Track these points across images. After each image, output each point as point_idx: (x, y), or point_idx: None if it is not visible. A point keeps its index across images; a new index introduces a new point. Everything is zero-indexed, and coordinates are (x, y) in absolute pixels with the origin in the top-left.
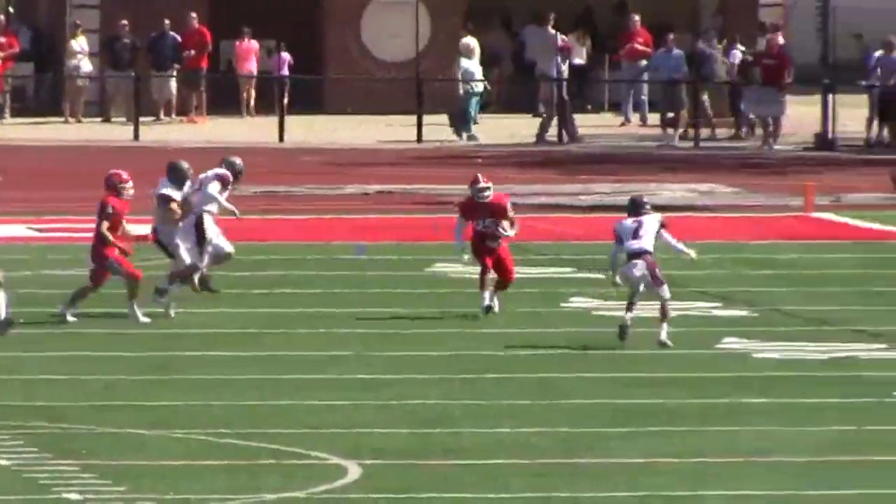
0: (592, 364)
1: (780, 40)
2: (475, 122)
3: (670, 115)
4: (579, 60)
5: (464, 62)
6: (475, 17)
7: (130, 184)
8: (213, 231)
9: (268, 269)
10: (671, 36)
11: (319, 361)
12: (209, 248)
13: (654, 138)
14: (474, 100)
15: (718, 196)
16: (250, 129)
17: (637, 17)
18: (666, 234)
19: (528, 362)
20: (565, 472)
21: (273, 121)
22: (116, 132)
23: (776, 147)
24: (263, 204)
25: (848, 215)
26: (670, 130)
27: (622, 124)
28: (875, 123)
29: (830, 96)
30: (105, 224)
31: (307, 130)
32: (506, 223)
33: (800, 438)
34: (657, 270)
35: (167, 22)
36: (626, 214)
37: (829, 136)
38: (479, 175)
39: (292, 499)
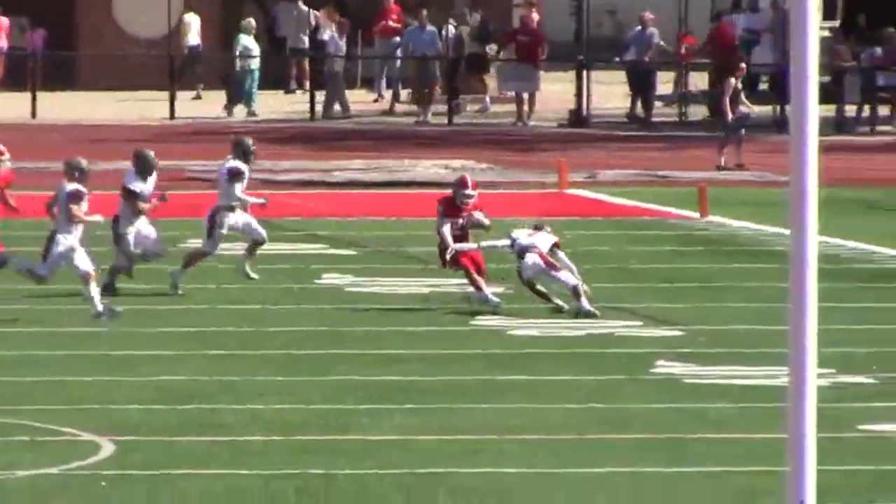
0: (346, 341)
1: (535, 17)
2: (253, 101)
3: (424, 91)
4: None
5: (243, 39)
6: None
7: (7, 156)
8: (232, 221)
9: (24, 245)
10: (425, 12)
11: (74, 337)
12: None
13: (407, 114)
14: (249, 77)
15: (472, 173)
16: (3, 105)
17: None
18: (562, 254)
19: (283, 339)
20: (321, 448)
21: (26, 97)
22: None
23: (531, 123)
24: (16, 181)
25: (602, 192)
26: (422, 106)
27: (375, 100)
28: (632, 99)
29: (585, 73)
30: None
31: (60, 107)
32: (479, 213)
33: (555, 415)
34: (548, 259)
35: None
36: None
37: (584, 112)
38: (468, 178)
39: (45, 475)
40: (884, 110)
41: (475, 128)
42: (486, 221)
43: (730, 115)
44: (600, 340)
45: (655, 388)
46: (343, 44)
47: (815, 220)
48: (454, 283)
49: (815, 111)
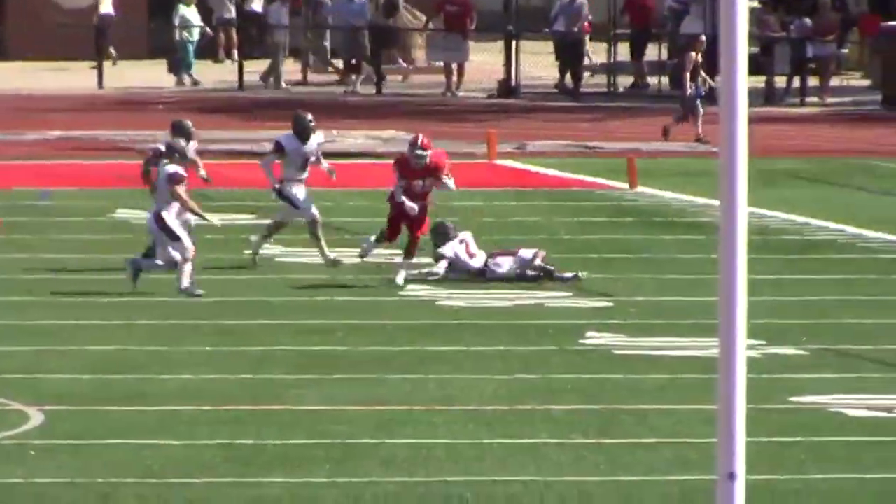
0: (275, 311)
1: None
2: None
3: (353, 61)
4: (257, 8)
5: (182, 9)
6: None
7: None
8: (295, 196)
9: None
10: None
11: (2, 307)
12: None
13: (335, 84)
14: (190, 45)
15: (401, 143)
16: None
17: None
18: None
19: (211, 309)
20: (250, 418)
21: None
22: None
23: (460, 94)
24: None
25: (532, 163)
26: (352, 76)
27: (303, 70)
28: (560, 70)
29: (514, 43)
30: None
31: None
32: (444, 177)
33: (485, 386)
34: (502, 251)
35: None
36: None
37: (513, 83)
38: (421, 137)
39: None
40: (813, 81)
41: (404, 98)
42: (452, 186)
43: (689, 90)
44: (530, 311)
45: (586, 359)
46: (286, 14)
47: (745, 191)
48: (384, 254)
49: (744, 82)
